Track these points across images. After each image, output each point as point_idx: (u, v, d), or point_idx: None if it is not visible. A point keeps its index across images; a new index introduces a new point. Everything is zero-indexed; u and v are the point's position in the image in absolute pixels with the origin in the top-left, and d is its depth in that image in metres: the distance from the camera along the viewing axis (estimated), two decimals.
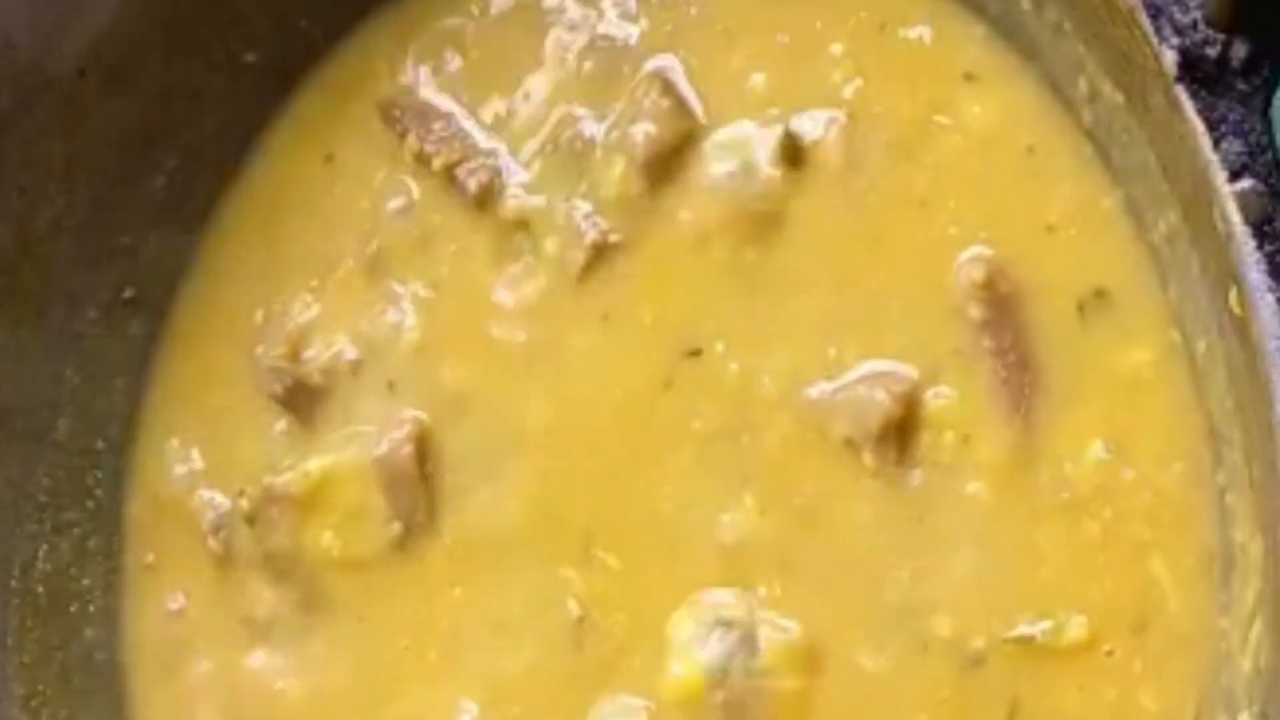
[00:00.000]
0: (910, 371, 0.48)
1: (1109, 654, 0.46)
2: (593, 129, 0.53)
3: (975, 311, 0.47)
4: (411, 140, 0.56)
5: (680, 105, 0.52)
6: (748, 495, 0.50)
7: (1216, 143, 0.37)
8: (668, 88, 0.52)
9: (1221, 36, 0.38)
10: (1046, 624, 0.46)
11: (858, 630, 0.48)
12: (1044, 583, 0.46)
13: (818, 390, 0.49)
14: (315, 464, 0.55)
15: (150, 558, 0.60)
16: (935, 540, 0.48)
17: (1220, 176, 0.37)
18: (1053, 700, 0.46)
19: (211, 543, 0.58)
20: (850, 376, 0.49)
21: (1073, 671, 0.46)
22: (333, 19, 0.58)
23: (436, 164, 0.55)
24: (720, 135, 0.52)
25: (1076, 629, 0.46)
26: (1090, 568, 0.46)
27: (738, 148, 0.51)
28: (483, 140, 0.55)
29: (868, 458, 0.48)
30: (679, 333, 0.51)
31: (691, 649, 0.49)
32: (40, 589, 0.58)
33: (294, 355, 0.57)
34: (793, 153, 0.50)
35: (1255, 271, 0.37)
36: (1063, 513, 0.46)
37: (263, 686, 0.57)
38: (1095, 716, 0.46)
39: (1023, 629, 0.46)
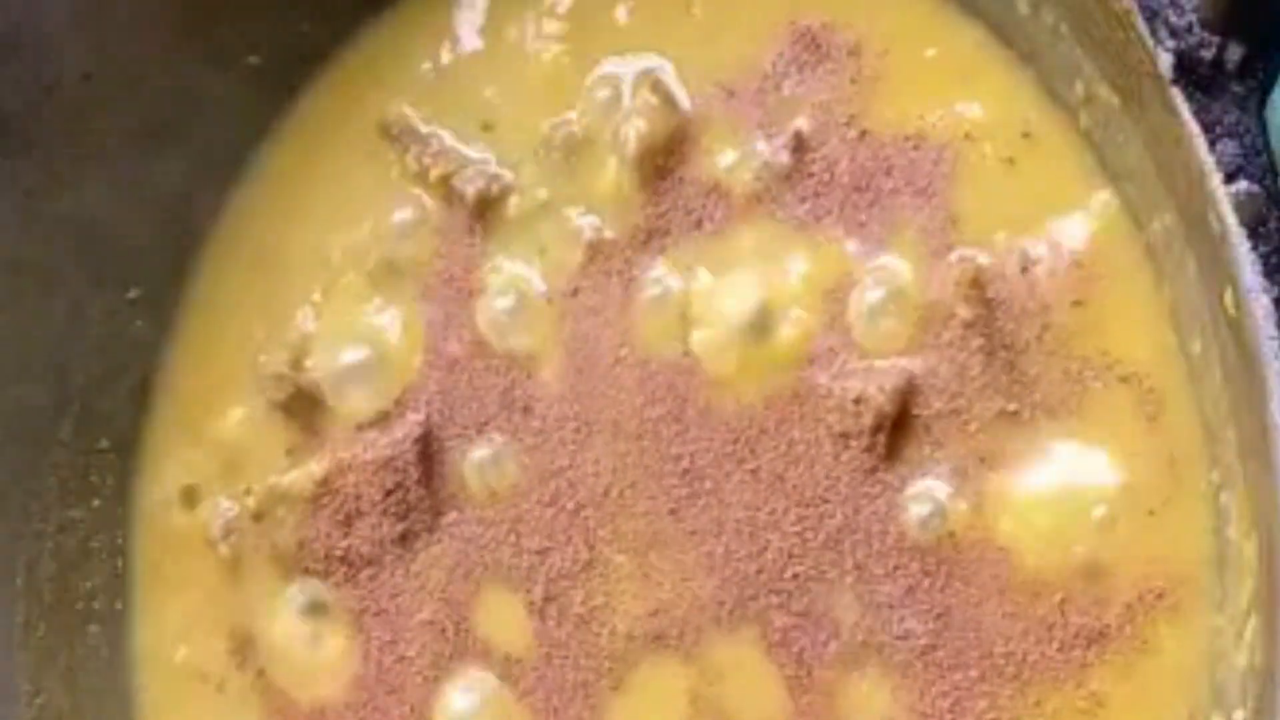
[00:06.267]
0: (904, 366, 0.48)
1: (1101, 654, 0.46)
2: (585, 130, 0.54)
3: (964, 311, 0.47)
4: (410, 155, 0.56)
5: (670, 102, 0.52)
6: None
7: (1212, 145, 0.37)
8: (657, 85, 0.52)
9: (1216, 39, 0.38)
10: None
11: None
12: None
13: (812, 381, 0.49)
14: (320, 464, 0.55)
15: (155, 557, 0.60)
16: None
17: (1215, 178, 0.37)
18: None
19: (222, 548, 0.58)
20: (845, 370, 0.49)
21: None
22: (336, 21, 0.58)
23: (434, 174, 0.56)
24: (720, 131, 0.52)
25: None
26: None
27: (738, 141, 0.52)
28: (476, 149, 0.56)
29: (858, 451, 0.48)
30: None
31: None
32: (45, 588, 0.58)
33: (297, 363, 0.57)
34: (798, 148, 0.51)
35: (1250, 272, 0.37)
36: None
37: (267, 685, 0.57)
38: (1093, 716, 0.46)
39: None
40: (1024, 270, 0.47)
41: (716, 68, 0.52)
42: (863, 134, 0.50)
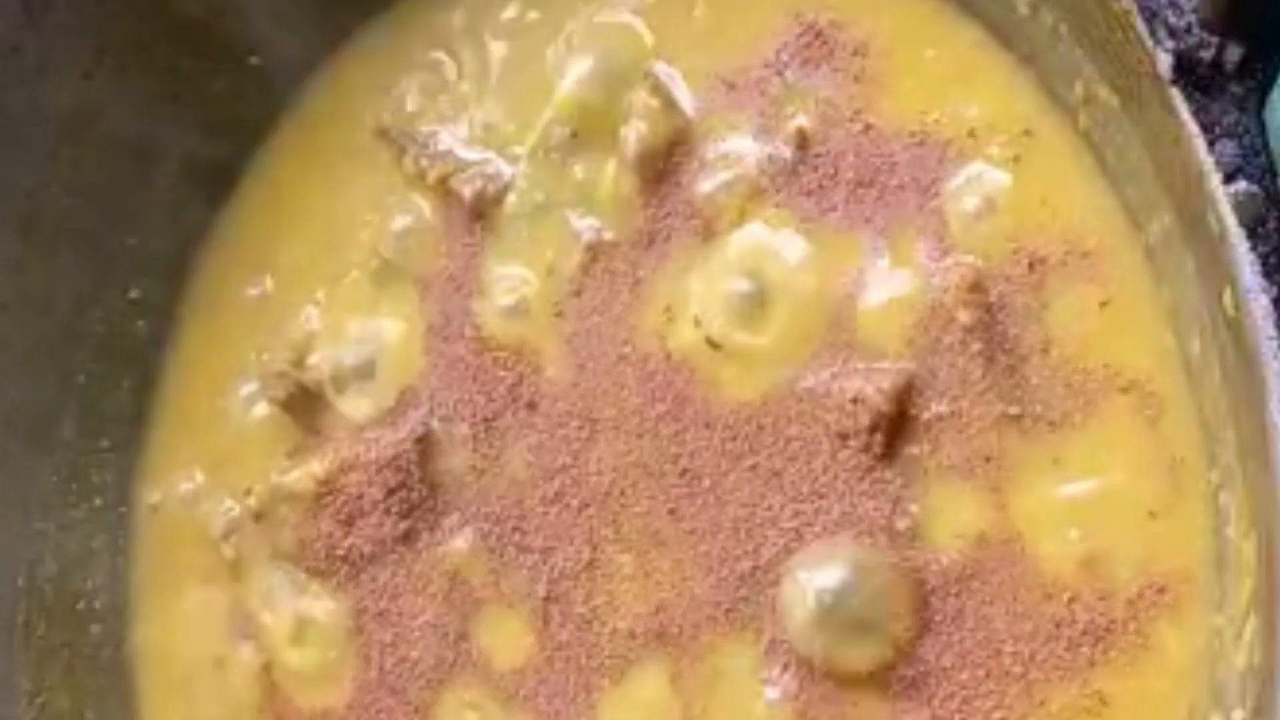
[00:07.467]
0: (903, 366, 0.48)
1: (1106, 651, 0.46)
2: (583, 132, 0.54)
3: (964, 315, 0.47)
4: (409, 157, 0.56)
5: (671, 105, 0.52)
6: None
7: (1211, 145, 0.38)
8: (658, 87, 0.52)
9: (1216, 39, 0.38)
10: None
11: None
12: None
13: (812, 380, 0.49)
14: (322, 463, 0.55)
15: (156, 557, 0.60)
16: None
17: (1214, 179, 0.37)
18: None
19: (224, 548, 0.58)
20: (844, 369, 0.49)
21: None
22: (336, 22, 0.59)
23: (432, 176, 0.56)
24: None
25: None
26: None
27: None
28: (475, 151, 0.56)
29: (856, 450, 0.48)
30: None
31: None
32: (47, 587, 0.58)
33: (299, 362, 0.57)
34: (802, 143, 0.51)
35: (1249, 272, 0.37)
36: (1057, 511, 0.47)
37: (269, 685, 0.57)
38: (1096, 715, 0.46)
39: None
40: (1025, 271, 0.47)
41: (718, 63, 0.52)
42: (867, 128, 0.50)
